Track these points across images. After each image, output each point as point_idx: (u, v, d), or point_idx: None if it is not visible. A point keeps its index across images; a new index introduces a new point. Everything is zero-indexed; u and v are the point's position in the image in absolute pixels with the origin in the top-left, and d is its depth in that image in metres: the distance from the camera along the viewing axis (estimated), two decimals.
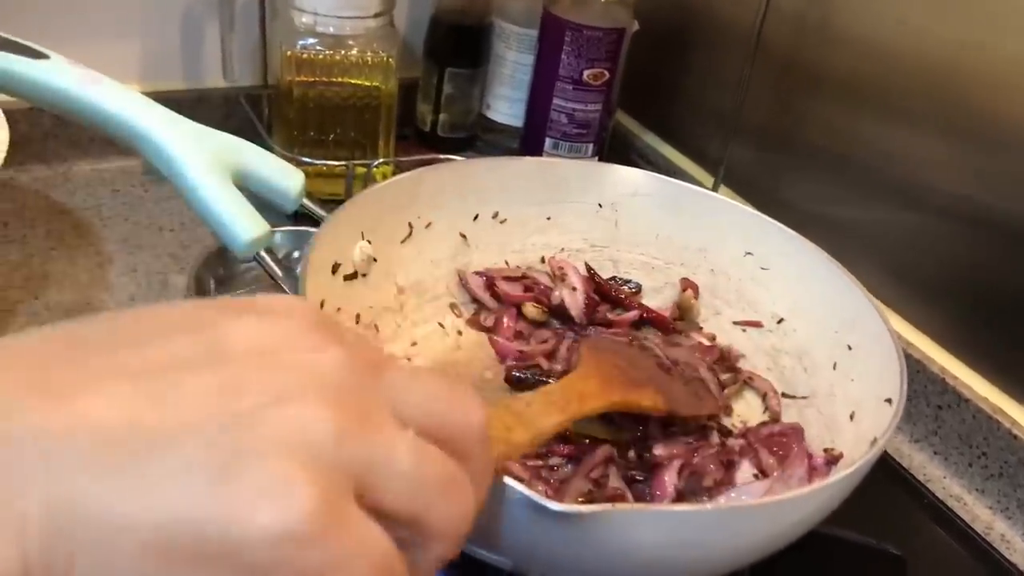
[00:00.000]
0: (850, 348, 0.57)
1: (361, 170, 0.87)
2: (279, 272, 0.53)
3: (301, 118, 0.87)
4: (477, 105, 1.02)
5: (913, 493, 0.70)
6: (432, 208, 0.62)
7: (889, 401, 0.50)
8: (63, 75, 0.51)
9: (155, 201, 0.90)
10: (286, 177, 0.55)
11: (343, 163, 0.86)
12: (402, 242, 0.62)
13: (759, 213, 0.63)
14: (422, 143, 1.02)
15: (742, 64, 0.85)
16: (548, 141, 0.94)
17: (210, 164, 0.51)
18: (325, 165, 0.86)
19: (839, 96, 0.79)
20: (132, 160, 0.94)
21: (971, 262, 0.69)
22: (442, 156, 0.93)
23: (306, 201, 0.57)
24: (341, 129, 0.88)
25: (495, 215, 0.65)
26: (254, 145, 0.55)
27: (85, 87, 0.51)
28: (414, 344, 0.61)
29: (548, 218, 0.66)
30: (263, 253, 0.52)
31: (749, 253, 0.64)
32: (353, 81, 0.87)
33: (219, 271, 0.79)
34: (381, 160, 0.89)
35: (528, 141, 0.97)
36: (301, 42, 0.84)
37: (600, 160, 0.96)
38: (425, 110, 1.01)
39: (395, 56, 0.86)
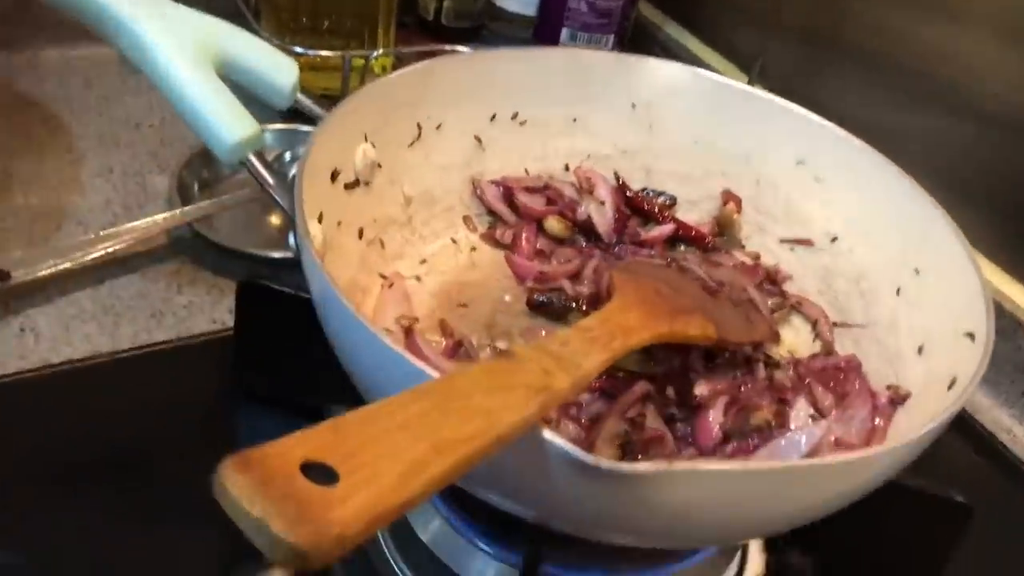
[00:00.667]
0: (917, 272, 0.50)
1: (359, 62, 0.78)
2: (270, 179, 0.46)
3: (293, 2, 0.78)
4: None
5: (964, 430, 0.65)
6: (443, 106, 0.55)
7: (971, 336, 0.44)
8: None
9: (133, 94, 0.82)
10: (279, 68, 0.47)
11: (339, 53, 0.78)
12: (410, 145, 0.54)
13: (815, 116, 0.56)
14: (424, 32, 0.93)
15: None
16: (565, 32, 0.86)
17: (193, 54, 0.43)
18: (319, 55, 0.77)
19: None
20: (107, 47, 0.85)
21: None
22: (447, 47, 0.85)
23: (301, 96, 0.49)
24: (337, 15, 0.79)
25: (514, 116, 0.58)
26: (242, 31, 0.47)
27: None
28: (423, 262, 0.55)
29: (574, 120, 0.59)
30: (252, 157, 0.45)
31: (801, 162, 0.56)
32: None
33: (203, 173, 0.72)
34: (381, 51, 0.80)
35: (542, 32, 0.88)
36: None
37: (619, 48, 0.87)
38: None
39: None
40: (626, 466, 0.32)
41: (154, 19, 0.43)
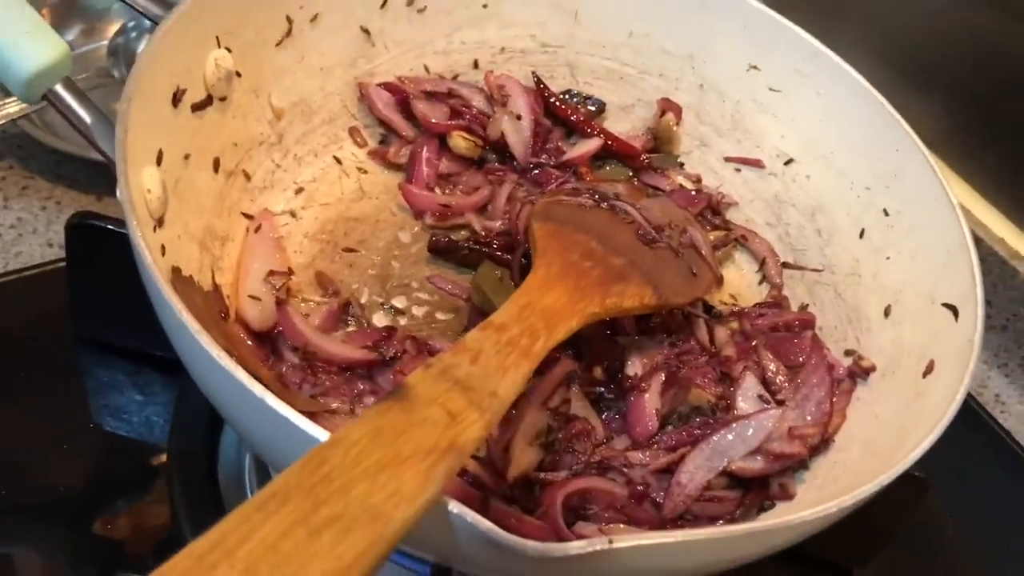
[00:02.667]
0: (886, 213, 0.43)
1: None
2: (86, 117, 0.34)
3: None
4: None
5: None
6: None
7: (953, 311, 0.37)
8: None
9: None
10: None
11: None
12: (277, 44, 0.43)
13: (775, 14, 0.46)
14: None
15: None
16: None
17: None
18: None
19: None
20: None
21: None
22: None
23: None
24: None
25: (411, 1, 0.47)
26: None
27: None
28: (299, 191, 0.45)
29: (484, 6, 0.48)
30: (59, 88, 0.34)
31: (754, 67, 0.48)
32: None
33: None
34: None
35: None
36: None
37: None
38: None
39: None
40: (559, 548, 0.25)
41: None
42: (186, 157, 0.38)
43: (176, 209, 0.37)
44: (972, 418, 0.57)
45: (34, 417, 0.46)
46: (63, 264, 0.50)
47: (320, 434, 0.26)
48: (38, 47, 0.32)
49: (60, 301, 0.47)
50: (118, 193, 0.35)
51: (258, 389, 0.27)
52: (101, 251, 0.43)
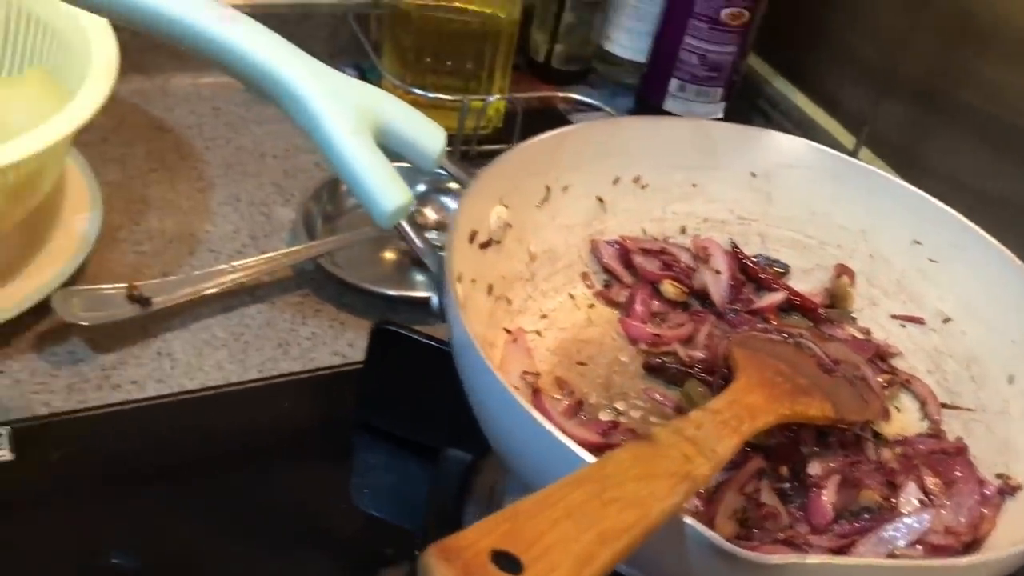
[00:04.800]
0: None
1: (476, 104, 0.81)
2: (419, 243, 0.48)
3: (417, 43, 0.82)
4: (596, 36, 0.95)
5: None
6: (571, 169, 0.57)
7: None
8: (196, 11, 0.46)
9: (257, 122, 0.85)
10: (428, 136, 0.50)
11: (458, 97, 0.81)
12: (538, 206, 0.57)
13: (933, 199, 0.57)
14: (533, 74, 0.96)
15: (901, 12, 0.77)
16: (674, 82, 0.87)
17: (355, 122, 0.46)
18: (439, 100, 0.80)
19: (1015, 57, 0.71)
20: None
21: None
22: (560, 94, 0.88)
23: (445, 161, 0.52)
24: (457, 58, 0.82)
25: (636, 179, 0.60)
26: (396, 99, 0.50)
27: (221, 25, 0.46)
28: (544, 317, 0.57)
29: (694, 185, 0.61)
30: (403, 221, 0.48)
31: (917, 242, 0.58)
32: (474, 8, 0.80)
33: (327, 207, 0.75)
34: (497, 96, 0.83)
35: (651, 80, 0.90)
36: None
37: (726, 102, 0.89)
38: (540, 39, 0.94)
39: None
40: (764, 556, 0.35)
41: (321, 88, 0.46)
42: (473, 281, 0.51)
43: (464, 316, 0.49)
44: None
45: (306, 489, 0.58)
46: (346, 368, 0.64)
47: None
48: (399, 191, 0.46)
49: (343, 397, 0.61)
50: (435, 299, 0.49)
51: (554, 428, 0.38)
52: (394, 352, 0.56)
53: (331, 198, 0.75)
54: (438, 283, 0.48)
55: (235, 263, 0.67)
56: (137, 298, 0.62)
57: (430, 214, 0.75)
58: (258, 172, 0.80)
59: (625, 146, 0.59)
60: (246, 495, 0.56)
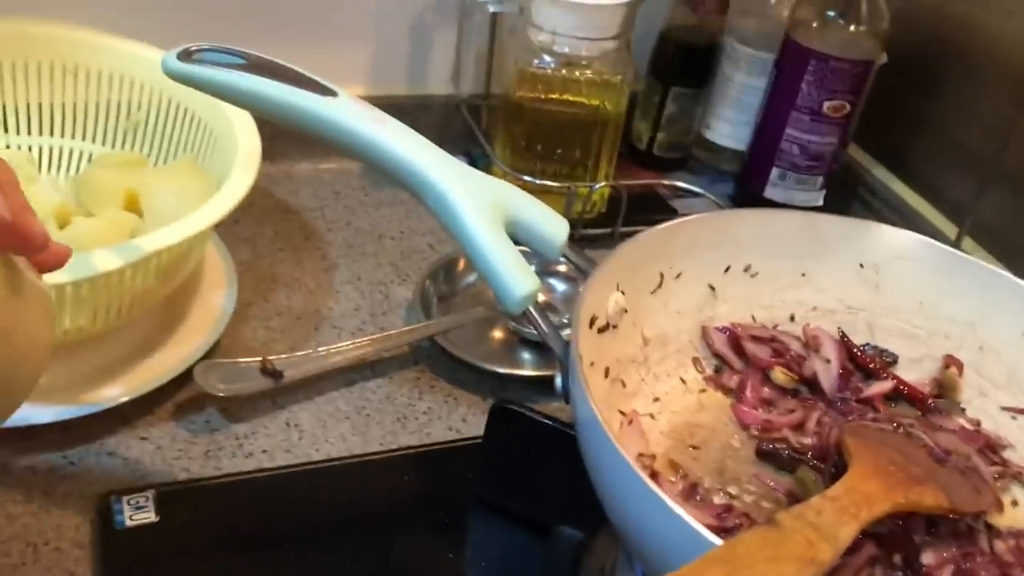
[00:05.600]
0: None
1: (583, 191, 0.85)
2: (545, 327, 0.51)
3: (528, 133, 0.86)
4: (697, 125, 0.98)
5: None
6: (684, 258, 0.60)
7: None
8: (350, 114, 0.51)
9: (375, 206, 0.90)
10: (553, 227, 0.53)
11: (564, 184, 0.85)
12: (652, 292, 0.59)
13: None
14: (634, 161, 0.99)
15: (1005, 100, 0.78)
16: (775, 171, 0.90)
17: (489, 216, 0.50)
18: (547, 186, 0.84)
19: None
20: (350, 162, 0.95)
21: None
22: (665, 183, 0.91)
23: (567, 251, 0.55)
24: (565, 147, 0.86)
25: (747, 268, 0.62)
26: (524, 193, 0.53)
27: (371, 127, 0.51)
28: (656, 400, 0.59)
29: (803, 274, 0.63)
30: (530, 307, 0.51)
31: None
32: (583, 100, 0.85)
33: (442, 287, 0.79)
34: (603, 183, 0.87)
35: (752, 168, 0.93)
36: (537, 60, 0.82)
37: (826, 190, 0.91)
38: (642, 128, 0.98)
39: (628, 79, 0.84)
40: None
41: (459, 184, 0.50)
42: (592, 363, 0.54)
43: None
44: None
45: (422, 559, 0.61)
46: (461, 444, 0.67)
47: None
48: (528, 279, 0.50)
49: (458, 471, 0.64)
50: (558, 380, 0.52)
51: (679, 509, 0.40)
52: (512, 430, 0.59)
53: (446, 278, 0.79)
54: (562, 365, 0.51)
55: (357, 340, 0.71)
56: (270, 371, 0.66)
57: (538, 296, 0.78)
58: (376, 253, 0.84)
59: (737, 236, 0.61)
60: (365, 563, 0.58)
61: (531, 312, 0.51)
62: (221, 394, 0.65)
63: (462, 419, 0.69)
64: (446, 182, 0.51)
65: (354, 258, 0.84)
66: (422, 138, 0.52)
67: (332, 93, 0.51)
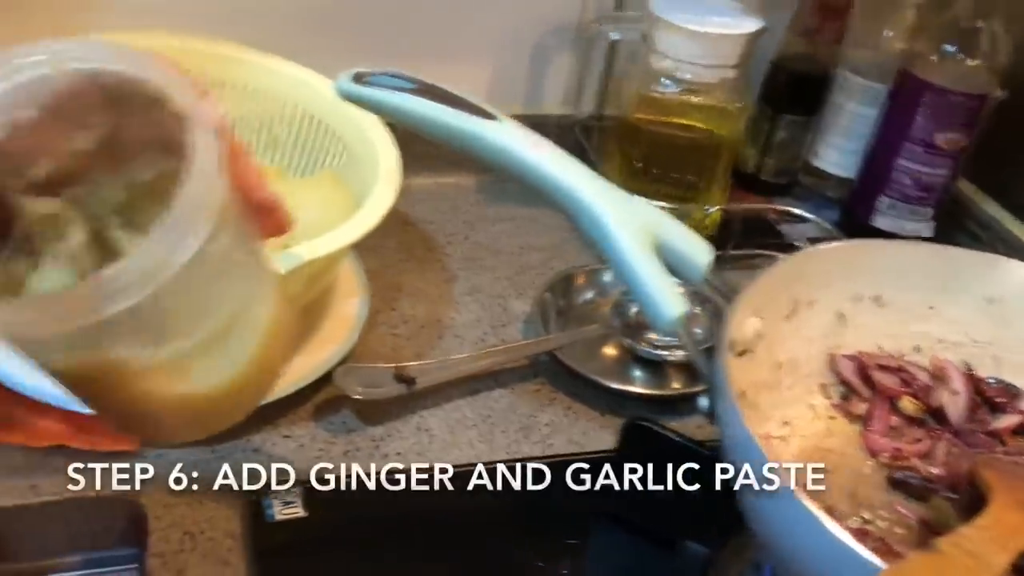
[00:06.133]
0: None
1: (698, 214, 0.87)
2: (696, 349, 0.54)
3: (644, 155, 0.88)
4: (805, 152, 0.99)
5: None
6: (818, 286, 0.62)
7: None
8: (511, 137, 0.54)
9: (491, 221, 0.93)
10: (698, 252, 0.55)
11: (676, 207, 0.87)
12: (786, 318, 0.61)
13: None
14: (740, 184, 1.01)
15: None
16: (884, 200, 0.91)
17: (641, 239, 0.52)
18: (662, 208, 0.86)
19: None
20: (468, 178, 0.98)
21: None
22: (778, 207, 0.93)
23: (708, 276, 0.57)
24: (680, 170, 0.88)
25: (877, 298, 0.64)
26: (671, 217, 0.56)
27: (530, 150, 0.54)
28: (786, 424, 0.61)
29: (931, 307, 0.64)
30: (679, 329, 0.53)
31: None
32: (700, 125, 0.87)
33: (560, 302, 0.81)
34: (716, 208, 0.89)
35: (860, 196, 0.94)
36: (657, 84, 0.85)
37: (935, 221, 0.92)
38: (750, 153, 1.00)
39: (747, 106, 0.86)
40: None
41: (614, 208, 0.53)
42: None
43: None
44: None
45: (545, 571, 0.63)
46: (586, 456, 0.69)
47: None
48: (678, 300, 0.52)
49: (582, 483, 0.66)
50: (703, 400, 0.54)
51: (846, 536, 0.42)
52: (643, 446, 0.61)
53: (564, 294, 0.81)
54: (709, 385, 0.53)
55: (480, 350, 0.74)
56: (404, 378, 0.69)
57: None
58: (494, 267, 0.87)
59: (870, 266, 0.63)
60: (488, 569, 0.61)
61: (680, 333, 0.53)
62: (359, 397, 0.68)
63: (583, 433, 0.71)
64: (601, 205, 0.53)
65: (473, 271, 0.86)
66: (577, 162, 0.55)
67: (494, 117, 0.54)
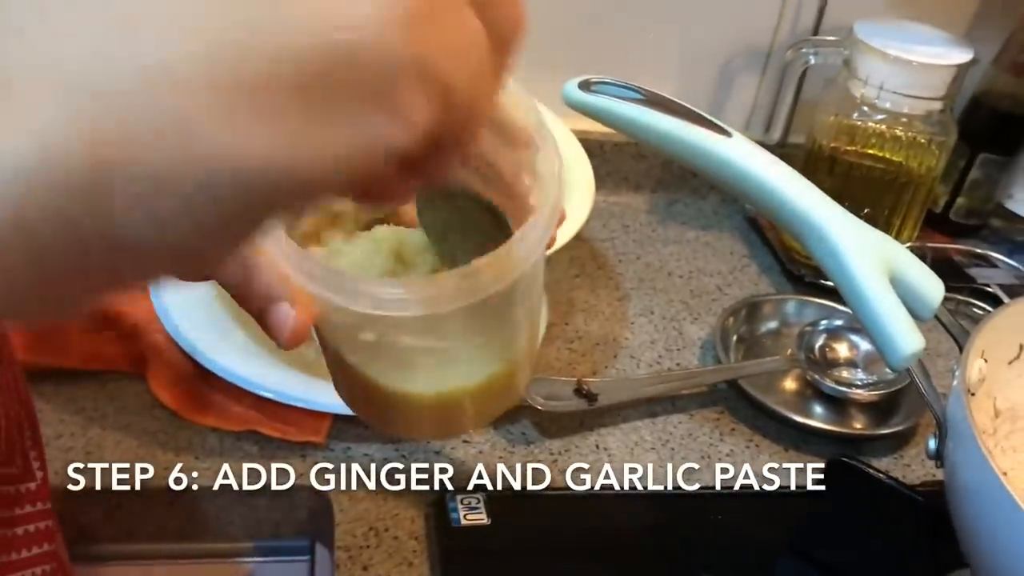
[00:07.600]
0: None
1: None
2: (927, 387, 0.51)
3: (837, 186, 0.85)
4: (999, 194, 0.95)
5: None
6: None
7: None
8: (745, 155, 0.52)
9: (663, 243, 0.92)
10: (931, 286, 0.52)
11: None
12: (1009, 363, 0.57)
13: None
14: (926, 223, 0.96)
15: None
16: None
17: (877, 268, 0.50)
18: None
19: None
20: (638, 197, 0.97)
21: None
22: (977, 250, 0.88)
23: (939, 312, 0.54)
24: (874, 204, 0.85)
25: None
26: (906, 250, 0.53)
27: (764, 168, 0.52)
28: (1005, 474, 0.57)
29: None
30: (913, 366, 0.50)
31: None
32: (897, 159, 0.83)
33: (741, 328, 0.79)
34: (908, 244, 0.85)
35: None
36: (856, 113, 0.82)
37: None
38: (941, 191, 0.95)
39: (949, 142, 0.82)
40: None
41: (849, 234, 0.50)
42: None
43: None
44: None
45: None
46: (775, 492, 0.66)
47: None
48: (915, 335, 0.49)
49: (766, 518, 0.63)
50: (932, 442, 0.51)
51: None
52: (846, 486, 0.58)
53: (746, 321, 0.79)
54: (940, 427, 0.50)
55: (658, 372, 0.72)
56: (585, 393, 0.68)
57: (842, 350, 0.77)
58: (666, 289, 0.85)
59: None
60: None
61: (914, 371, 0.50)
62: (540, 407, 0.67)
63: (767, 467, 0.68)
64: (838, 231, 0.51)
65: (645, 291, 0.85)
66: (812, 184, 0.53)
67: (727, 133, 0.53)
